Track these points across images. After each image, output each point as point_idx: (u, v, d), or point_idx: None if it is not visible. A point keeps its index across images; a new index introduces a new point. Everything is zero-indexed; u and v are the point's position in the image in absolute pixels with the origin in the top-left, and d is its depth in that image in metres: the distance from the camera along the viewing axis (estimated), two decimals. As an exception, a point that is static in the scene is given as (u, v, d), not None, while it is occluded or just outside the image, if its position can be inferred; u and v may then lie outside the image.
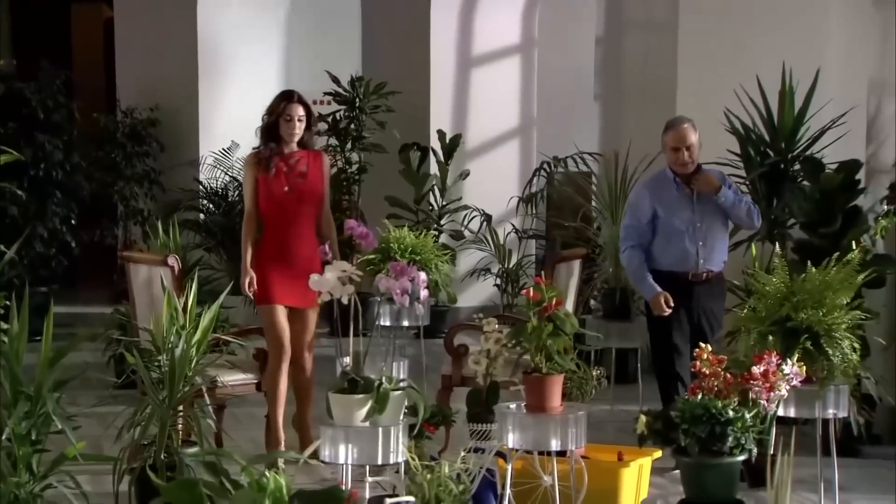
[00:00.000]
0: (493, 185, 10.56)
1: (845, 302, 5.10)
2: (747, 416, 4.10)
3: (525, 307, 4.55)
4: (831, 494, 5.49)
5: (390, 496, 4.51)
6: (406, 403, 4.58)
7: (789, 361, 4.25)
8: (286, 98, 6.24)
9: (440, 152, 10.47)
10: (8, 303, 4.76)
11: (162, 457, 5.27)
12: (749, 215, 6.27)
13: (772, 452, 4.91)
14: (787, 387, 4.22)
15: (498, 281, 10.22)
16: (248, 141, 6.97)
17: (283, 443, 6.15)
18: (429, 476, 4.37)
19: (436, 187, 10.48)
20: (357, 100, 10.27)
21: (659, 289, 6.13)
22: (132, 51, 11.59)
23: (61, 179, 10.33)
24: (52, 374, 4.64)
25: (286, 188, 6.17)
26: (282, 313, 6.15)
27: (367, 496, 4.58)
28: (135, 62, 11.54)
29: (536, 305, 4.46)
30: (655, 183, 6.41)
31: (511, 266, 10.16)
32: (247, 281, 6.11)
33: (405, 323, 6.51)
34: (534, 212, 10.28)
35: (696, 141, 6.26)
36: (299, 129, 6.20)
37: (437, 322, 9.28)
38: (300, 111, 6.20)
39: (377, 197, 10.26)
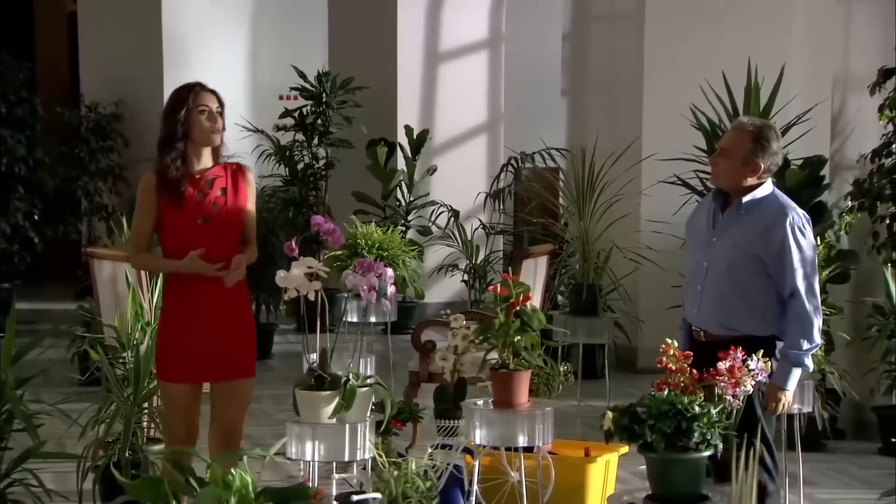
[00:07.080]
0: (460, 181, 10.56)
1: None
2: (713, 411, 4.11)
3: (493, 303, 4.54)
4: (796, 489, 5.53)
5: (357, 493, 4.50)
6: (373, 400, 4.57)
7: (755, 357, 4.26)
8: (196, 85, 4.47)
9: (407, 148, 10.45)
10: (-30, 300, 4.72)
11: (127, 454, 5.25)
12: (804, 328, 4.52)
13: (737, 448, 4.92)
14: (753, 382, 4.24)
15: (465, 277, 10.22)
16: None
17: None
18: (396, 473, 4.35)
19: (403, 183, 10.46)
20: (324, 95, 10.23)
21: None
22: (96, 45, 11.49)
23: (24, 174, 10.26)
24: (15, 371, 4.60)
25: (201, 220, 4.47)
26: (191, 394, 4.58)
27: (334, 493, 4.56)
28: (99, 56, 11.45)
29: (504, 301, 4.45)
30: (706, 198, 4.81)
31: (479, 262, 10.16)
32: (196, 256, 4.39)
33: (372, 319, 6.50)
34: (501, 207, 10.28)
35: (745, 150, 4.44)
36: (221, 125, 4.47)
37: (404, 318, 9.28)
38: (215, 102, 4.48)
39: (344, 193, 10.24)
